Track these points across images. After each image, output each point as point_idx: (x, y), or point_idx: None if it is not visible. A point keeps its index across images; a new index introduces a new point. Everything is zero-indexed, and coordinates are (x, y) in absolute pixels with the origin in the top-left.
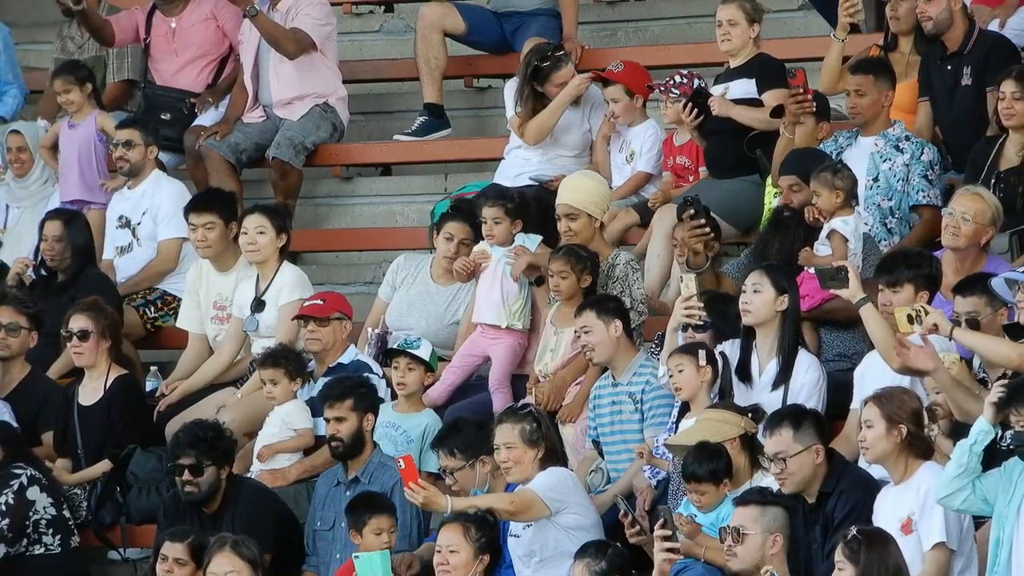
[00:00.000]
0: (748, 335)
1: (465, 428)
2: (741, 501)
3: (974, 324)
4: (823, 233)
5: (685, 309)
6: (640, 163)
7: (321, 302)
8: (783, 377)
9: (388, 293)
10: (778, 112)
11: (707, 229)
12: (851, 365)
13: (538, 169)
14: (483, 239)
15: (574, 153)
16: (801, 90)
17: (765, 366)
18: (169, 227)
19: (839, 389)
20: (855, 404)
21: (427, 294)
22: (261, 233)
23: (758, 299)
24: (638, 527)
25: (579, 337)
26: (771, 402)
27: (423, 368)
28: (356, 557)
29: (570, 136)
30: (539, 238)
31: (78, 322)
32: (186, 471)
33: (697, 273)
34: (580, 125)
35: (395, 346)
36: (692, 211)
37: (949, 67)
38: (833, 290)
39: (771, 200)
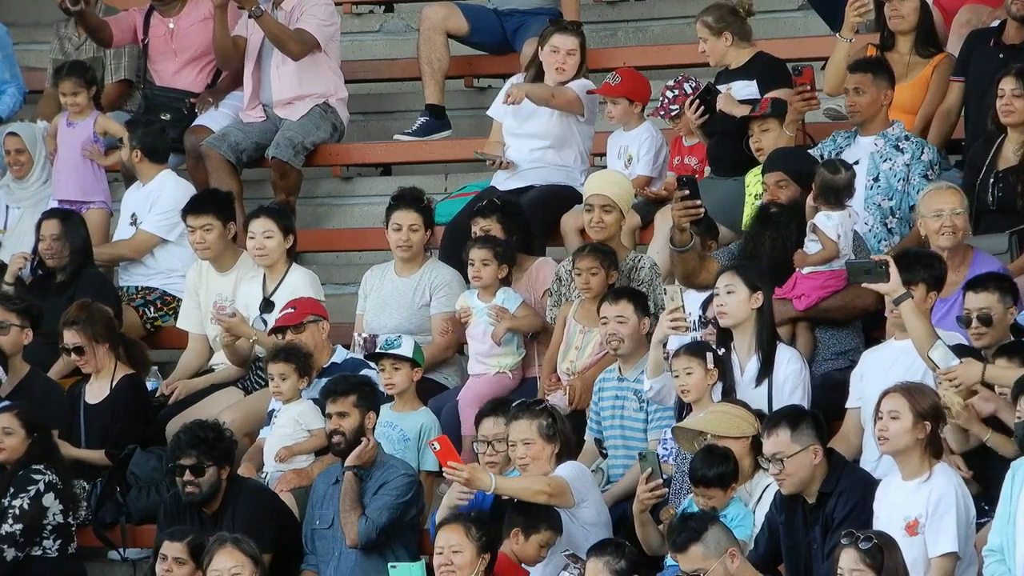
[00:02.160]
0: (726, 336)
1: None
2: (678, 548)
3: (987, 320)
4: (808, 229)
5: (671, 321)
6: (639, 167)
7: (292, 309)
8: (764, 372)
9: (363, 305)
10: (779, 107)
11: (700, 209)
12: (850, 363)
13: (519, 157)
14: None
15: (545, 143)
16: (808, 87)
17: (746, 364)
18: (155, 221)
19: (838, 388)
20: (852, 403)
21: (395, 290)
22: (268, 237)
23: (733, 300)
24: (659, 482)
25: (607, 324)
26: (756, 399)
27: (409, 365)
28: (393, 567)
29: (534, 123)
30: (520, 299)
31: (70, 338)
32: (187, 471)
33: (681, 251)
34: (549, 114)
35: (377, 350)
36: (687, 191)
37: (1002, 55)
38: (868, 284)
39: (757, 191)
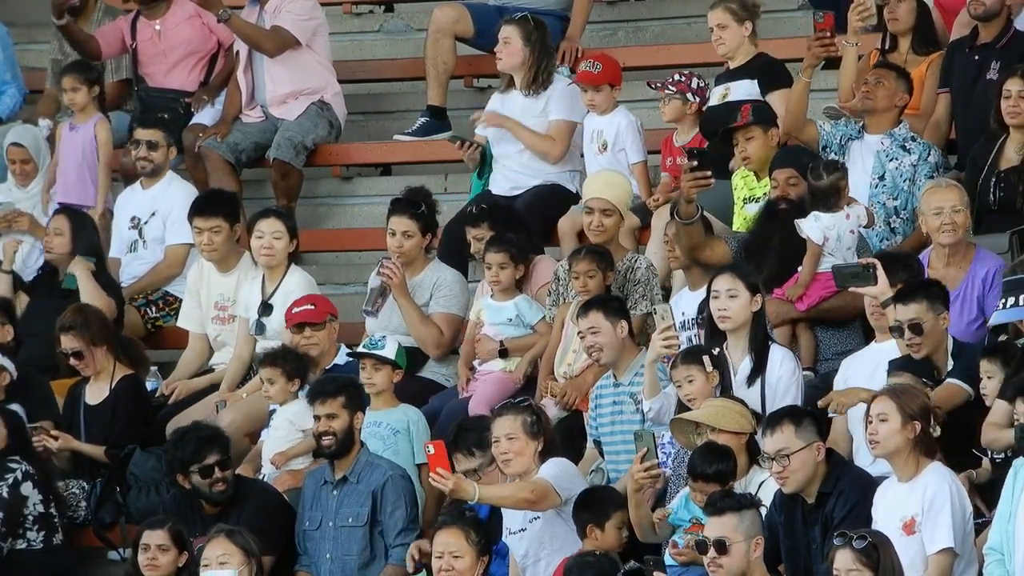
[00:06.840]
0: (720, 337)
1: (473, 427)
2: (716, 511)
3: (917, 329)
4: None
5: (663, 340)
6: (632, 154)
7: (312, 307)
8: (757, 372)
9: None
10: (760, 115)
11: (710, 180)
12: None
13: (510, 161)
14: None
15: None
16: (828, 34)
17: (739, 365)
18: (179, 232)
19: None
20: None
21: None
22: (277, 238)
23: (736, 304)
24: (655, 462)
25: (584, 337)
26: (749, 399)
27: (390, 367)
28: None
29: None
30: (541, 313)
31: (67, 343)
32: (216, 468)
33: (686, 223)
34: (540, 115)
35: (360, 348)
36: (695, 162)
37: (976, 57)
38: (855, 289)
39: (744, 194)
